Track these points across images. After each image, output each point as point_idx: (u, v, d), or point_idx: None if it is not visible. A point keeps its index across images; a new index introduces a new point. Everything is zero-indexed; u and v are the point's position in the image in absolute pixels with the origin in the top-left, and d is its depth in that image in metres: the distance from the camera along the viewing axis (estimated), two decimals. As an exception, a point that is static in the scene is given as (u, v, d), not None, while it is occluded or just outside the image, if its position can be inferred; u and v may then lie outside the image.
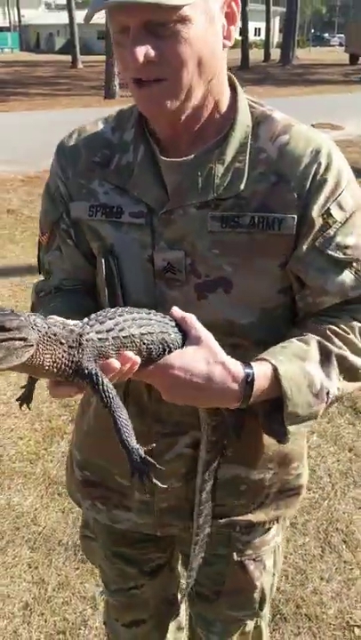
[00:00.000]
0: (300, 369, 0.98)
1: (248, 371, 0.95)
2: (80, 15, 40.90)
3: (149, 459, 0.85)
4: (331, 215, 1.00)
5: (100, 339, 0.85)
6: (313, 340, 1.02)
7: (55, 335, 0.81)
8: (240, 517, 1.20)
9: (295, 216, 0.99)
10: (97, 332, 0.86)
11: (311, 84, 22.11)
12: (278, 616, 2.07)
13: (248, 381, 0.95)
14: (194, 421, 1.09)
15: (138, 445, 0.85)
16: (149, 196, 1.03)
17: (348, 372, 1.04)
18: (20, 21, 54.83)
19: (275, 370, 0.96)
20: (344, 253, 1.01)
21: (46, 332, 0.80)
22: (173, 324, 0.95)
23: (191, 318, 0.96)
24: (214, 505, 1.15)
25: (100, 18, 1.02)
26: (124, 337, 0.87)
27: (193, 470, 1.13)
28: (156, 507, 1.20)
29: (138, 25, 0.88)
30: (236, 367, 0.95)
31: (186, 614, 1.60)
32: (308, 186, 0.99)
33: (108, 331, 0.86)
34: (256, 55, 34.16)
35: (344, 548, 2.35)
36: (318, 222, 1.00)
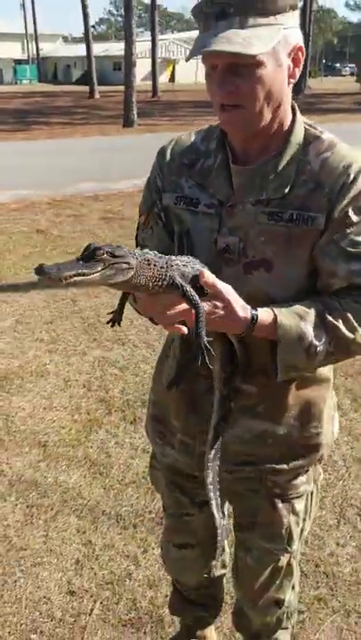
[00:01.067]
0: (296, 324, 1.25)
1: (254, 312, 1.24)
2: (97, 47, 42.14)
3: (209, 347, 1.17)
4: (349, 216, 1.26)
5: (183, 264, 1.18)
6: (315, 307, 1.28)
7: (148, 261, 1.13)
8: (266, 466, 1.49)
9: (324, 215, 1.26)
10: (180, 261, 1.19)
11: (323, 112, 22.63)
12: (300, 573, 2.34)
13: (253, 320, 1.24)
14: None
15: (205, 336, 1.17)
16: (221, 192, 1.34)
17: (339, 342, 1.28)
18: (38, 54, 56.32)
19: (275, 318, 1.25)
20: (355, 247, 1.27)
21: (143, 259, 1.12)
22: None
23: (215, 279, 1.21)
24: (223, 472, 1.42)
25: (118, 50, 1.34)
26: (195, 270, 1.20)
27: (229, 418, 1.41)
28: (196, 449, 1.49)
29: (224, 66, 1.18)
30: (246, 310, 1.23)
31: (230, 549, 1.87)
32: (336, 192, 1.26)
33: (187, 262, 1.20)
34: (269, 85, 34.87)
35: (358, 520, 2.62)
36: (338, 221, 1.26)
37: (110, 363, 4.01)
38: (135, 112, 17.80)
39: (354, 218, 1.27)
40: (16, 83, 49.33)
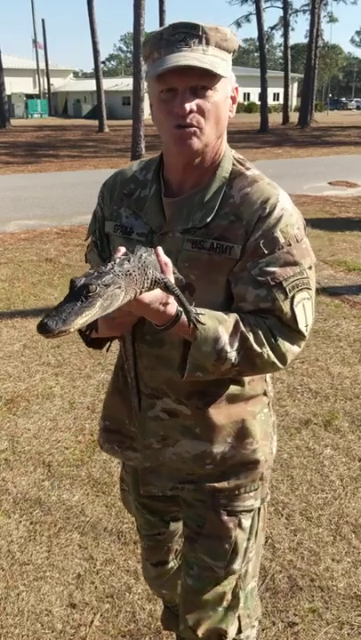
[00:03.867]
0: (214, 327, 1.30)
1: (178, 309, 1.25)
2: (107, 82, 43.06)
3: (197, 313, 1.26)
4: (260, 248, 1.34)
5: (148, 254, 1.20)
6: (234, 317, 1.34)
7: (128, 271, 1.12)
8: (207, 485, 1.52)
9: (240, 245, 1.36)
10: (144, 252, 1.20)
11: (328, 145, 23.01)
12: (295, 587, 2.40)
13: (176, 317, 1.27)
14: (166, 391, 1.49)
15: (192, 308, 1.25)
16: (153, 221, 1.44)
17: (247, 352, 1.34)
18: (49, 89, 57.54)
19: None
20: (263, 277, 1.34)
21: (124, 274, 1.11)
22: None
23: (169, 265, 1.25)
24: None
25: (127, 85, 1.43)
26: (155, 262, 1.23)
27: (170, 437, 1.51)
28: (140, 465, 1.57)
29: (186, 87, 1.28)
30: (173, 307, 1.24)
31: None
32: (252, 225, 1.35)
33: (145, 250, 1.21)
34: (275, 118, 35.54)
35: (353, 537, 2.68)
36: (252, 251, 1.35)
37: (114, 386, 4.09)
38: (143, 145, 18.12)
39: (265, 249, 1.36)
40: (27, 117, 50.32)
